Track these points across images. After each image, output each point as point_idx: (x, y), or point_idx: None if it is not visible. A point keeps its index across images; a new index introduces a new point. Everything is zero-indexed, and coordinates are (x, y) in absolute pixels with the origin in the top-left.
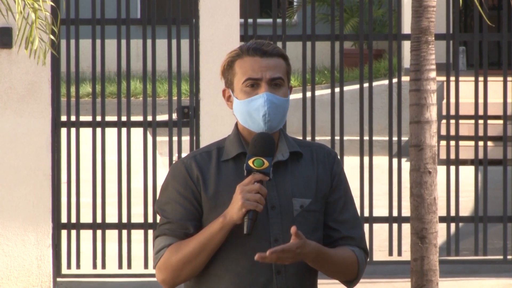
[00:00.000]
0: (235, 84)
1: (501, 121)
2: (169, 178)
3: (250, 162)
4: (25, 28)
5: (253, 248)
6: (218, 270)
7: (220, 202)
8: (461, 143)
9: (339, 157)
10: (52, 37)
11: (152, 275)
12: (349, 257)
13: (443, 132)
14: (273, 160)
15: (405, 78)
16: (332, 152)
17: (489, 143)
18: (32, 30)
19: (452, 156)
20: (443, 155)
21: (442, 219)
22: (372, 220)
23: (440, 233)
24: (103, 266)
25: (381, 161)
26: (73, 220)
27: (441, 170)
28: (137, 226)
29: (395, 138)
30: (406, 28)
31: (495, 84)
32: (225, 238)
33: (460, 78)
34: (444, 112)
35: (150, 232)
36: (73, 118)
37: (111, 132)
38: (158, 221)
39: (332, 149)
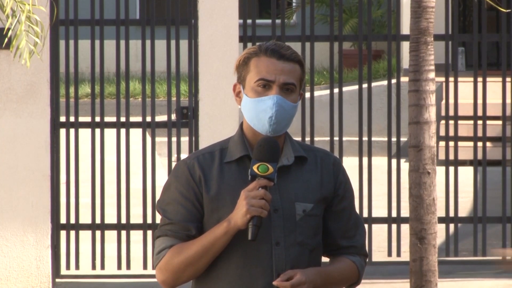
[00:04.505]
0: (247, 81)
1: (500, 122)
2: (172, 178)
3: (254, 168)
4: (14, 27)
5: (255, 251)
6: (219, 272)
7: (221, 204)
8: (460, 143)
9: (338, 157)
10: (37, 39)
11: (151, 276)
12: (350, 268)
13: (442, 132)
14: (277, 164)
15: (404, 79)
16: (337, 159)
17: (488, 144)
18: (19, 30)
19: (451, 156)
20: (442, 156)
21: (441, 220)
22: (371, 220)
23: (439, 233)
24: (102, 267)
25: (380, 162)
26: (72, 220)
27: (440, 170)
28: (136, 227)
29: (394, 139)
30: (405, 29)
31: (494, 84)
32: (229, 242)
33: (459, 79)
34: (443, 113)
35: (149, 232)
36: (72, 118)
37: (110, 133)
38: (158, 220)
39: (334, 154)
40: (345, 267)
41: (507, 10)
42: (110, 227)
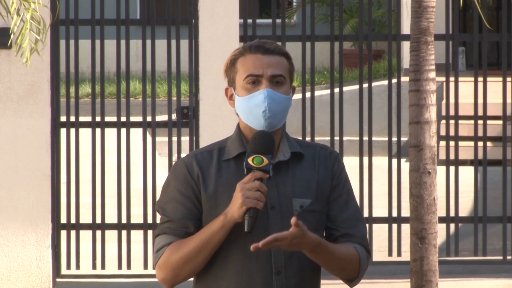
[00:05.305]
0: (236, 81)
1: (500, 122)
2: (170, 177)
3: (249, 160)
4: (18, 25)
5: None
6: (218, 270)
7: (220, 202)
8: (460, 143)
9: (336, 151)
10: (38, 37)
11: (152, 276)
12: (350, 252)
13: (443, 132)
14: (274, 159)
15: (405, 79)
16: (334, 152)
17: (489, 144)
18: (24, 29)
19: (452, 156)
20: (442, 156)
21: (441, 220)
22: (372, 220)
23: (440, 233)
24: (103, 267)
25: (380, 162)
26: (73, 220)
27: (441, 170)
28: (137, 226)
29: (394, 139)
30: (406, 29)
31: (494, 84)
32: (226, 236)
33: (460, 79)
34: (443, 113)
35: (150, 232)
36: (72, 118)
37: (111, 133)
38: (158, 220)
39: (334, 149)
40: (344, 248)
41: (491, 28)
42: (111, 227)
